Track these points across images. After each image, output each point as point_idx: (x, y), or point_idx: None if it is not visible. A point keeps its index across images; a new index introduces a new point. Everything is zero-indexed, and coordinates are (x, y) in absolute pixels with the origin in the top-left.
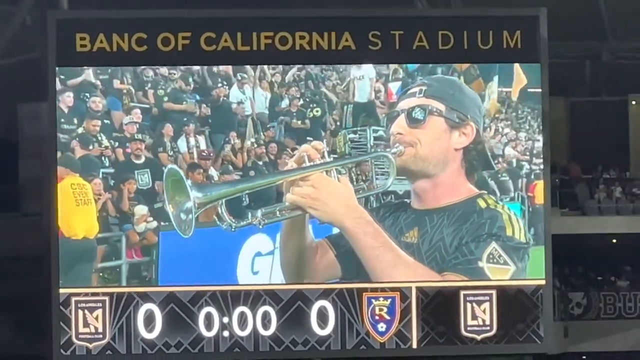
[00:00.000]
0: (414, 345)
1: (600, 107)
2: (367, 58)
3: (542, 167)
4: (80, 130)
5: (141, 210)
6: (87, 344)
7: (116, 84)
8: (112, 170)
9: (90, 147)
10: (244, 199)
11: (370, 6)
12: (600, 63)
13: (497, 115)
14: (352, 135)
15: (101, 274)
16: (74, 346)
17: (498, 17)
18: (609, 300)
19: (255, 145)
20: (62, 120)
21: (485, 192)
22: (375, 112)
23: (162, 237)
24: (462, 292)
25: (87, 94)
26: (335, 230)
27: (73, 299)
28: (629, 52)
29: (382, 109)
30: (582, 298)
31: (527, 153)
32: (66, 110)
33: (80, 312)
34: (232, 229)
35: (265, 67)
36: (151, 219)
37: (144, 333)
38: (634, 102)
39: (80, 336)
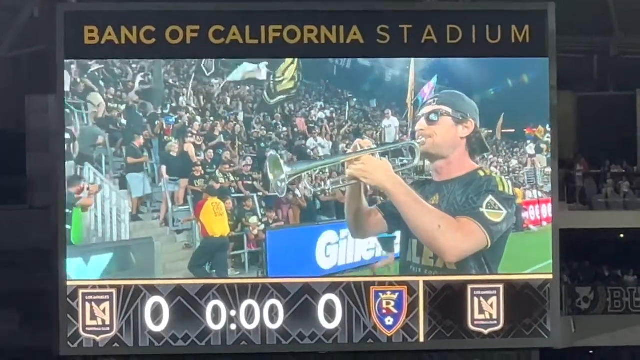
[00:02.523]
0: (421, 339)
1: (607, 102)
2: (375, 51)
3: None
4: (217, 172)
5: (254, 219)
6: (95, 337)
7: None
8: (236, 195)
9: (222, 181)
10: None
11: (379, 0)
12: (608, 58)
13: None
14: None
15: (232, 259)
16: (81, 339)
17: (506, 11)
18: (617, 295)
19: (321, 174)
20: (207, 166)
21: (483, 166)
22: (400, 148)
23: (268, 234)
24: (469, 287)
25: (219, 150)
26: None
27: (80, 291)
28: (637, 47)
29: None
30: (590, 293)
31: (504, 171)
32: (210, 160)
33: (87, 305)
34: (311, 194)
35: (326, 124)
36: (260, 223)
37: (151, 326)
38: None
39: (88, 329)
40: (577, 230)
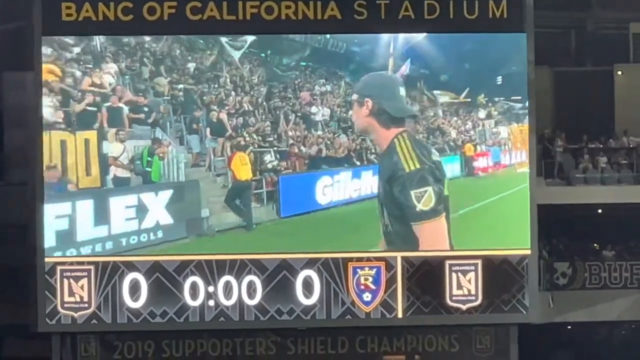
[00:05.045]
0: (400, 315)
1: (585, 77)
2: (353, 27)
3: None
4: (245, 133)
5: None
6: (73, 313)
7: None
8: (257, 149)
9: (248, 139)
10: None
11: None
12: (585, 33)
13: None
14: None
15: (255, 196)
16: (59, 315)
17: None
18: (595, 270)
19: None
20: (238, 128)
21: (398, 134)
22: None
23: (280, 178)
24: (447, 262)
25: (247, 116)
26: None
27: (58, 267)
28: (614, 22)
29: None
30: (568, 268)
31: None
32: (240, 124)
33: (65, 281)
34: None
35: (328, 97)
36: (276, 163)
37: (129, 302)
38: (619, 72)
39: (66, 305)
40: (555, 206)
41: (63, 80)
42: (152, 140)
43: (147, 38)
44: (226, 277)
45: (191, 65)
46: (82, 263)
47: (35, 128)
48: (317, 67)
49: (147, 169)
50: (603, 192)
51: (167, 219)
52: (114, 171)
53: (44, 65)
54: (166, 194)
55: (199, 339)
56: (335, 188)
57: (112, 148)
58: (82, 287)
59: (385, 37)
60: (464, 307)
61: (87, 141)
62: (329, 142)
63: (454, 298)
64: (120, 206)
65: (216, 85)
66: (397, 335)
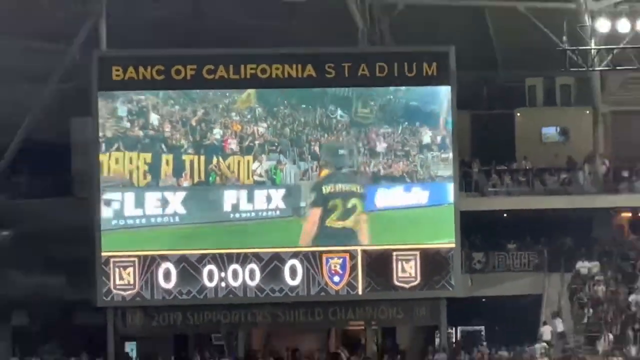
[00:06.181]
0: (360, 292)
1: (494, 118)
2: (324, 83)
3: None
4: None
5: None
6: (122, 293)
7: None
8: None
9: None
10: None
11: (327, 45)
12: (494, 85)
13: None
14: None
15: None
16: (112, 294)
17: (419, 52)
18: (501, 258)
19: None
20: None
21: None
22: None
23: (367, 187)
24: (394, 254)
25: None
26: None
27: (111, 260)
28: (514, 77)
29: None
30: (482, 257)
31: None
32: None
33: (117, 269)
34: None
35: (386, 136)
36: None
37: (163, 284)
38: (518, 114)
39: (117, 287)
40: (473, 212)
41: (243, 130)
42: (277, 161)
43: (282, 106)
44: (234, 266)
45: (302, 118)
46: (128, 256)
47: (93, 156)
48: (382, 116)
49: (273, 176)
50: (508, 201)
51: (282, 205)
52: (254, 177)
53: (235, 123)
54: (282, 191)
55: (214, 311)
56: (390, 197)
57: (255, 165)
58: (129, 274)
59: (441, 93)
60: (407, 286)
61: (248, 161)
62: (386, 166)
63: (399, 279)
64: (260, 195)
65: (316, 130)
66: (359, 307)
